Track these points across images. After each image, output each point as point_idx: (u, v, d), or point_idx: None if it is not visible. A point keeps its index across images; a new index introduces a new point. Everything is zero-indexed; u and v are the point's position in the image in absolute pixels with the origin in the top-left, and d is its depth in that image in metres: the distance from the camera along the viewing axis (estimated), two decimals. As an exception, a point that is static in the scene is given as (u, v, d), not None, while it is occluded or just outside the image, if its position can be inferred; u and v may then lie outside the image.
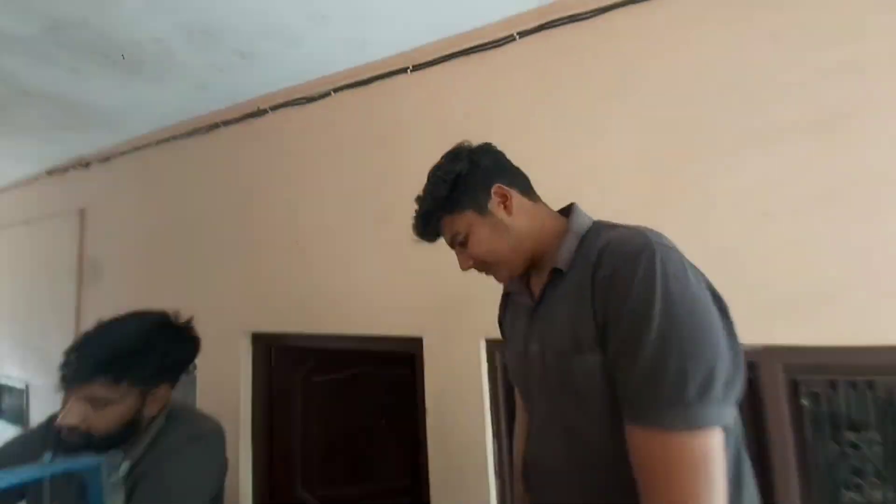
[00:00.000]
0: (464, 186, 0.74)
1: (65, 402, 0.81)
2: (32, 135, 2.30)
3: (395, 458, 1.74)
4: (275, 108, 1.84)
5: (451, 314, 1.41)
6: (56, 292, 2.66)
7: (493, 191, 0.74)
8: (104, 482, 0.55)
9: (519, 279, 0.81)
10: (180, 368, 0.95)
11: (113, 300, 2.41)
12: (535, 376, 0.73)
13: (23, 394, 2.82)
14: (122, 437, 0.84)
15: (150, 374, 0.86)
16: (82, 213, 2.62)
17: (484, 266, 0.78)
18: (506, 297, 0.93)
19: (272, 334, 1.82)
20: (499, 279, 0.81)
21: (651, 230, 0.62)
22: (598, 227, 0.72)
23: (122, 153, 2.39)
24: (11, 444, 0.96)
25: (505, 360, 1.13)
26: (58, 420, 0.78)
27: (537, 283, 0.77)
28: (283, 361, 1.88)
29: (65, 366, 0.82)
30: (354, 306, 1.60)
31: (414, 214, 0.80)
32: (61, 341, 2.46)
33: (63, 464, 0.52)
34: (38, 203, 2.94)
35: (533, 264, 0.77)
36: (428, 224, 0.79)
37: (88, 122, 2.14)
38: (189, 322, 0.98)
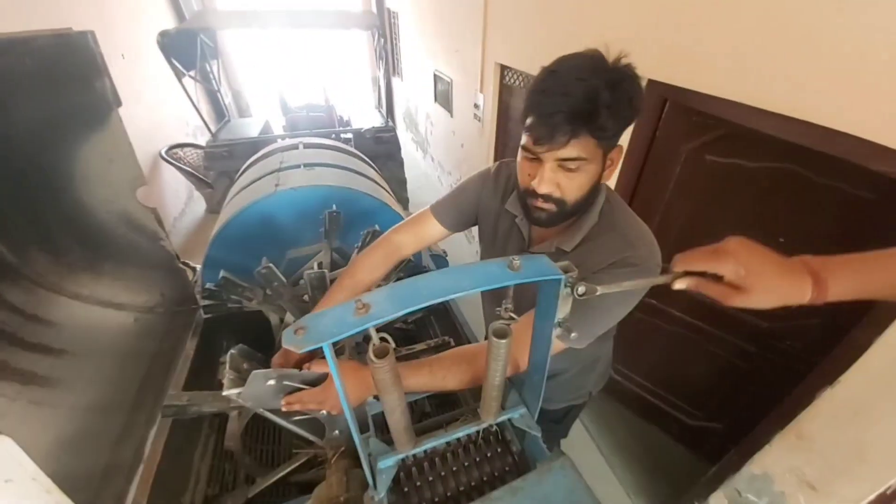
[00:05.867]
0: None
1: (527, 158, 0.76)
2: None
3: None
4: None
5: None
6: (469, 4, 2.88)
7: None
8: (559, 294, 0.53)
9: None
10: (628, 124, 0.71)
11: (515, 13, 2.44)
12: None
13: (450, 85, 3.68)
14: (583, 206, 0.79)
15: (616, 130, 0.70)
16: None
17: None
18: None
19: (674, 88, 1.46)
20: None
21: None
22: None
23: None
24: (471, 184, 1.01)
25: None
26: (531, 185, 0.76)
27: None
28: (676, 123, 1.57)
29: (543, 118, 0.68)
30: (822, 81, 1.00)
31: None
32: (473, 47, 2.84)
33: (530, 274, 0.50)
34: None
35: None
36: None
37: None
38: (629, 65, 0.69)
